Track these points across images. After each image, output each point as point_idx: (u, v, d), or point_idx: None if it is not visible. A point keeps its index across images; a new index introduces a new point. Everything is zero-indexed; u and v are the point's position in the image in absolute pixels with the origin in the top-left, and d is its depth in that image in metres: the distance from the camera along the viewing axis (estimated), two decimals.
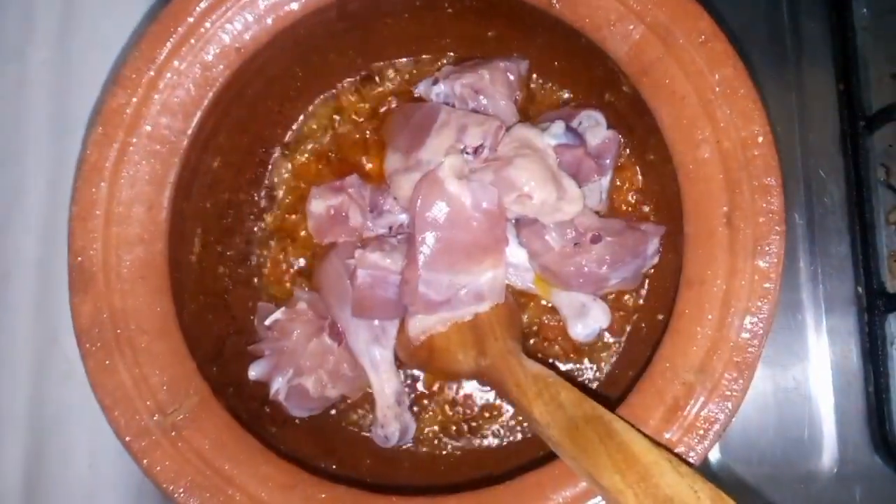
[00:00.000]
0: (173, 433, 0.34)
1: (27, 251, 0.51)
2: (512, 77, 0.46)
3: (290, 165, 0.50)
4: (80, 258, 0.36)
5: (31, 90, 0.53)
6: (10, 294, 0.51)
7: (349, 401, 0.46)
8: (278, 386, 0.42)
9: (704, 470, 0.50)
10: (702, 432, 0.33)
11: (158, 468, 0.34)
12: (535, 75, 0.49)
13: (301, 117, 0.50)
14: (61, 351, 0.51)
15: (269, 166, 0.50)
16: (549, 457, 0.35)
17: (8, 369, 0.51)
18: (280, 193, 0.50)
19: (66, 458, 0.50)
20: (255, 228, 0.49)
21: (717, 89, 0.34)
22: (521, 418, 0.46)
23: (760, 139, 0.33)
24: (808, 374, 0.51)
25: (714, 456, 0.50)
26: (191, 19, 0.37)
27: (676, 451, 0.33)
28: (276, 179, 0.50)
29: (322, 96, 0.50)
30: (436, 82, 0.48)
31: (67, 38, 0.53)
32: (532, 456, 0.37)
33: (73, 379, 0.51)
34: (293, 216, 0.49)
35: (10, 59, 0.53)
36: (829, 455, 0.50)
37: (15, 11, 0.54)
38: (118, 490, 0.50)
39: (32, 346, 0.51)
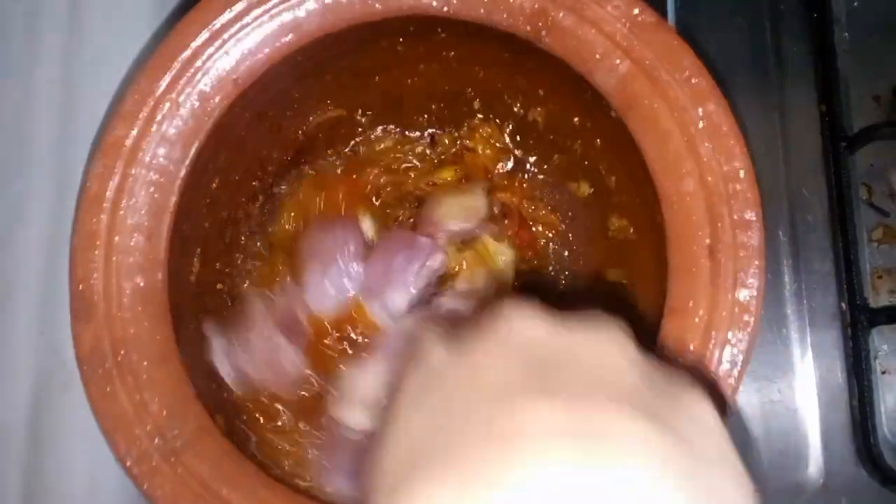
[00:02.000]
0: (173, 458, 0.35)
1: (30, 265, 0.52)
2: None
3: (288, 184, 0.51)
4: (81, 287, 0.37)
5: (36, 108, 0.54)
6: (12, 307, 0.52)
7: None
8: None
9: None
10: None
11: (159, 492, 0.35)
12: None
13: (300, 137, 0.51)
14: (62, 364, 0.52)
15: (268, 183, 0.51)
16: None
17: (9, 382, 0.52)
18: (278, 209, 0.51)
19: (66, 472, 0.51)
20: (253, 244, 0.50)
21: (701, 125, 0.35)
22: None
23: (742, 174, 0.34)
24: (794, 387, 0.52)
25: None
26: (187, 53, 0.38)
27: None
28: (274, 196, 0.51)
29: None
30: None
31: (73, 58, 0.55)
32: None
33: (73, 392, 0.51)
34: (290, 231, 0.51)
35: (16, 77, 0.54)
36: (815, 467, 0.51)
37: (21, 30, 0.55)
38: (119, 502, 0.51)
39: (34, 358, 0.52)
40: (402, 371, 0.29)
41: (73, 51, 0.54)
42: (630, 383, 0.24)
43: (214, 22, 0.38)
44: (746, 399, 0.52)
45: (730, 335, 0.33)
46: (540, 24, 0.37)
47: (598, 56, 0.37)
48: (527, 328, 0.26)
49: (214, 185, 0.45)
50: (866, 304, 0.52)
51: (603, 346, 0.25)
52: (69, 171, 0.52)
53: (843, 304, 0.53)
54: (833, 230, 0.54)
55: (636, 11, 0.36)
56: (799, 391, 0.52)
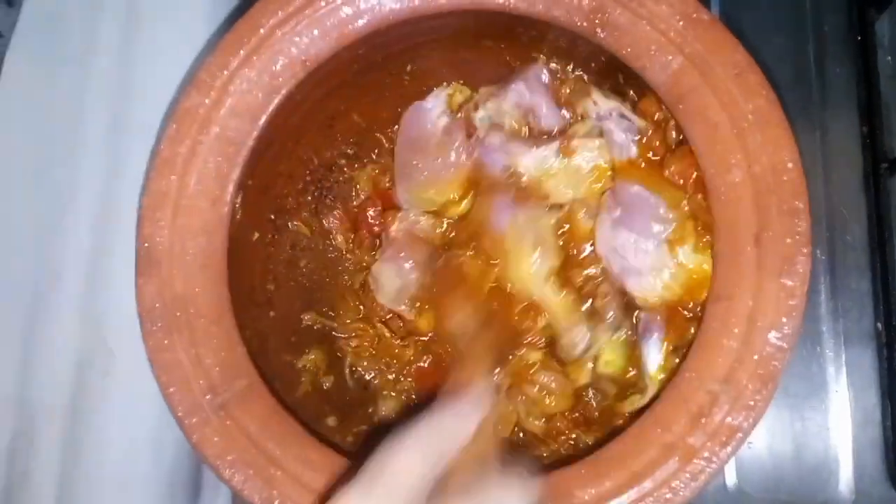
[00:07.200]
0: (223, 412, 0.36)
1: (79, 252, 0.53)
2: (546, 79, 0.48)
3: (341, 177, 0.53)
4: (147, 244, 0.38)
5: (90, 96, 0.55)
6: (58, 293, 0.53)
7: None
8: None
9: (722, 494, 0.51)
10: (724, 439, 0.34)
11: (207, 444, 0.36)
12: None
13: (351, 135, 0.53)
14: (105, 347, 0.53)
15: (322, 176, 0.52)
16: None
17: (52, 365, 0.52)
18: (329, 203, 0.53)
19: (103, 449, 0.52)
20: (304, 234, 0.51)
21: (751, 118, 0.36)
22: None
23: (790, 165, 0.35)
24: (827, 406, 0.52)
25: (731, 481, 0.51)
26: (262, 31, 0.40)
27: (700, 455, 0.34)
28: (328, 190, 0.52)
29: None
30: (476, 108, 0.50)
31: (129, 48, 0.55)
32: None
33: (113, 377, 0.52)
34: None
35: (72, 65, 0.55)
36: (845, 486, 0.51)
37: (80, 19, 0.56)
38: (151, 482, 0.52)
39: (78, 341, 0.52)
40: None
41: (130, 41, 0.55)
42: None
43: (290, 3, 0.40)
44: (778, 415, 0.52)
45: (775, 320, 0.34)
46: (596, 20, 0.39)
47: (652, 52, 0.38)
48: None
49: (272, 169, 0.47)
50: None
51: None
52: (120, 162, 0.53)
53: (879, 325, 0.53)
54: (871, 251, 0.54)
55: (690, 8, 0.37)
56: (832, 410, 0.52)
